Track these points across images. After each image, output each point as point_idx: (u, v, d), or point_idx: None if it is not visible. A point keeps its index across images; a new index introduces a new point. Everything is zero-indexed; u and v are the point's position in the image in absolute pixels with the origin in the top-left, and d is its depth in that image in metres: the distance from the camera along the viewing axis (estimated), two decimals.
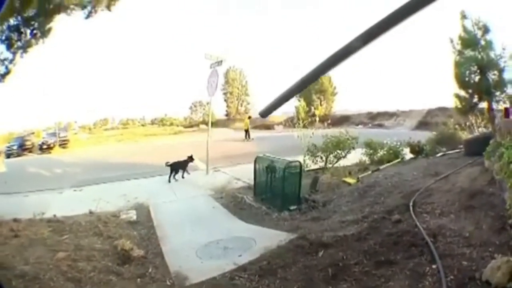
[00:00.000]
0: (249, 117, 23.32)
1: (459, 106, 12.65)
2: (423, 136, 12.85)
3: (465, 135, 12.34)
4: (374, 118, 33.52)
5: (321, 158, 10.03)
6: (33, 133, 25.31)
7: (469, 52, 12.00)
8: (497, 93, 12.08)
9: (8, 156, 20.56)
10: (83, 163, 15.72)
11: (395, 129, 27.81)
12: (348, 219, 5.57)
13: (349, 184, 8.03)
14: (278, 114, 33.97)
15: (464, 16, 12.31)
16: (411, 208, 5.50)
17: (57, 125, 28.10)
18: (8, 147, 21.86)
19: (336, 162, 10.15)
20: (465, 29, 12.21)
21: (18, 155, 21.22)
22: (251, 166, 8.73)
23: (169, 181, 9.94)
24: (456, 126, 13.37)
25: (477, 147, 8.24)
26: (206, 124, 32.61)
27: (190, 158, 10.53)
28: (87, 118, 33.98)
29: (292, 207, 6.82)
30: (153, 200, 8.09)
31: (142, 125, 37.60)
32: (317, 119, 16.69)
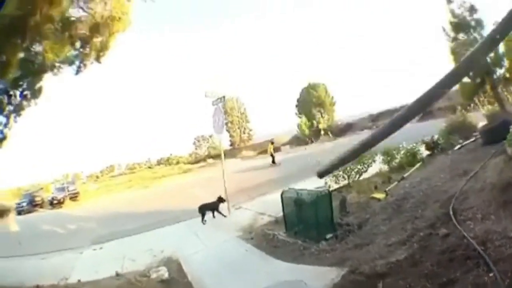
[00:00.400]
0: (272, 143, 23.20)
1: (463, 91, 12.73)
2: (432, 127, 12.69)
3: (475, 118, 12.21)
4: (377, 120, 33.55)
5: (343, 176, 9.82)
6: (41, 188, 25.28)
7: (463, 37, 12.18)
8: (497, 69, 12.17)
9: (19, 213, 20.71)
10: (97, 217, 15.59)
11: None
12: (394, 241, 5.31)
13: (379, 199, 7.77)
14: (283, 133, 34.60)
15: (449, 0, 12.55)
16: (452, 217, 5.32)
17: (65, 177, 28.92)
18: (18, 204, 21.93)
19: (359, 177, 9.96)
20: (453, 13, 12.37)
21: (29, 212, 21.37)
22: (271, 197, 8.57)
23: (203, 223, 9.68)
24: (463, 111, 13.19)
25: (495, 135, 8.40)
26: (213, 157, 32.89)
27: (220, 199, 10.08)
28: (93, 167, 35.39)
29: (328, 236, 6.53)
30: (180, 252, 7.68)
31: (149, 167, 38.06)
32: (322, 132, 16.52)
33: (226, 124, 36.04)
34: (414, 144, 11.08)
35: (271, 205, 9.11)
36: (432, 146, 11.31)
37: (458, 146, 10.48)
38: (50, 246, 10.02)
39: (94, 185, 32.09)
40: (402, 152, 10.89)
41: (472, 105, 13.54)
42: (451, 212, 5.52)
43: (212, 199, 10.25)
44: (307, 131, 32.07)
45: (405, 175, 9.05)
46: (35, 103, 9.63)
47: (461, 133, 11.49)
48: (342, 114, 34.40)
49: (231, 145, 37.68)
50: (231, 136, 37.68)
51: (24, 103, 9.45)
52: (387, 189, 8.26)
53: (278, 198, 7.93)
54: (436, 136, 11.82)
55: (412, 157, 10.59)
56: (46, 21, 8.12)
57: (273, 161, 21.36)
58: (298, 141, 32.21)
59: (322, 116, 32.64)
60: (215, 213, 10.05)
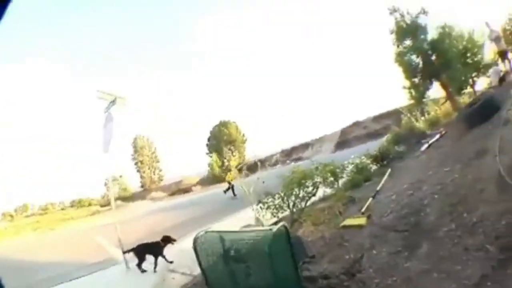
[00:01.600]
0: (240, 170, 18.98)
1: (412, 96, 12.56)
2: (349, 155, 11.52)
3: (423, 125, 11.91)
4: (290, 154, 32.68)
5: (281, 206, 6.99)
6: None
7: (408, 41, 12.21)
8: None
9: None
10: None
11: (317, 156, 26.94)
12: None
13: (360, 226, 4.91)
14: (194, 174, 35.04)
15: (394, 10, 12.26)
16: None
17: None
18: None
19: (305, 204, 7.01)
20: (397, 23, 12.22)
21: None
22: (187, 244, 5.68)
23: (141, 271, 6.67)
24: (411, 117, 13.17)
25: (478, 117, 7.17)
26: (123, 199, 31.08)
27: (167, 239, 6.89)
28: (7, 205, 33.69)
29: None
30: None
31: (62, 209, 36.46)
32: (233, 170, 15.03)
33: (136, 164, 35.23)
34: (363, 158, 9.56)
35: (184, 258, 6.11)
36: (380, 158, 9.76)
37: (426, 145, 8.87)
38: None
39: (4, 223, 30.46)
40: (348, 168, 8.81)
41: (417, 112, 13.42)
42: None
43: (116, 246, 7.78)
44: (218, 170, 31.44)
45: (378, 187, 6.40)
46: None
47: (408, 140, 10.68)
48: (254, 150, 34.89)
49: (142, 186, 36.62)
50: (141, 177, 36.57)
51: None
52: (362, 210, 5.46)
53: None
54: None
55: (364, 173, 8.62)
56: None
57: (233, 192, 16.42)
58: (209, 181, 31.76)
59: (233, 154, 32.51)
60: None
